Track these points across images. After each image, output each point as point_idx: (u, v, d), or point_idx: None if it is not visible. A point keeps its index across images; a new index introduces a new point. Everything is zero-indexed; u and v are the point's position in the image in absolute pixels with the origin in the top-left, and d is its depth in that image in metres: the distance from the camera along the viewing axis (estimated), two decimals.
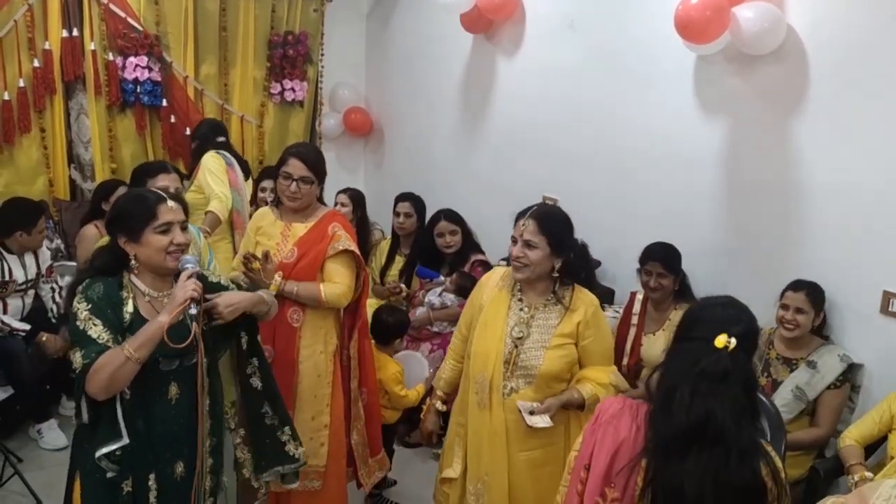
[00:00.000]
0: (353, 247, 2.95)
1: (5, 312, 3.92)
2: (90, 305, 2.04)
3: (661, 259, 3.43)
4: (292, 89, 5.77)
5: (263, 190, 4.67)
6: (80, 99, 5.12)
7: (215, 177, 4.27)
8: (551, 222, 2.47)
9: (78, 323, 2.02)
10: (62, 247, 4.80)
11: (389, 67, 5.95)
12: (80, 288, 2.08)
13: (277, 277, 2.83)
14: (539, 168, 4.54)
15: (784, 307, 3.09)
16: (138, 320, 2.08)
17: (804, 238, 3.24)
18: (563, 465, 2.13)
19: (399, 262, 4.52)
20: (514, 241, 2.47)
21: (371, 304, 4.35)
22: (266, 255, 2.84)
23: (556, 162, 4.42)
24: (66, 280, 4.46)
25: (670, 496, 1.62)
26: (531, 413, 2.39)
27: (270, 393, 2.43)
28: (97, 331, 2.01)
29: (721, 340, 1.64)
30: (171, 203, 2.15)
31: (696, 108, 3.62)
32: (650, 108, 3.82)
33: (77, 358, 1.99)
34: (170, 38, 5.27)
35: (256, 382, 2.39)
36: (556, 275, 2.48)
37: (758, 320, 3.30)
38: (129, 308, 2.09)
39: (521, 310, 2.51)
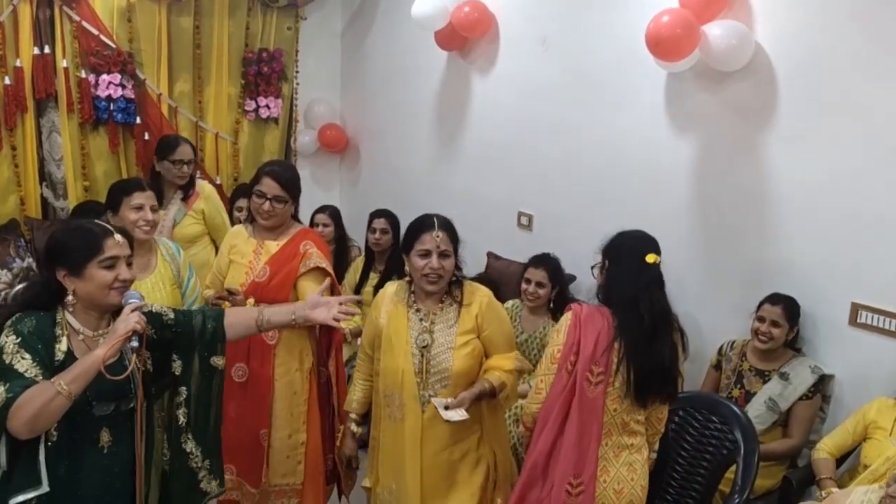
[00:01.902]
0: (326, 264, 2.95)
1: None
2: (19, 339, 1.90)
3: None
4: (267, 106, 5.76)
5: (240, 209, 4.63)
6: (52, 116, 5.05)
7: (224, 219, 4.09)
8: (453, 228, 2.55)
9: (4, 357, 1.87)
10: (34, 266, 4.73)
11: (364, 84, 5.97)
12: (9, 322, 1.94)
13: (249, 306, 2.81)
14: (514, 184, 4.58)
15: (760, 319, 3.14)
16: (71, 360, 1.94)
17: (775, 251, 3.29)
18: (482, 450, 2.57)
19: (374, 278, 4.52)
20: (427, 254, 2.48)
21: None
22: (230, 291, 2.87)
23: (531, 177, 4.46)
24: None
25: (650, 369, 2.26)
26: (446, 408, 2.42)
27: (198, 426, 2.21)
28: (25, 364, 1.87)
29: (652, 257, 2.32)
30: (118, 237, 2.04)
31: (667, 123, 3.67)
32: (623, 124, 3.87)
33: (1, 393, 1.82)
34: (143, 56, 5.23)
35: (180, 416, 2.17)
36: (453, 278, 2.56)
37: (732, 332, 3.39)
38: (63, 346, 1.96)
39: (420, 320, 2.55)
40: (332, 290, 2.99)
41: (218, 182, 5.58)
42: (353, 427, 2.74)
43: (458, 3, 4.54)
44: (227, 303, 2.82)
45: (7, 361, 1.87)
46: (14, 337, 1.91)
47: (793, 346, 3.18)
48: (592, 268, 2.49)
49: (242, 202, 4.53)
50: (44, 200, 5.14)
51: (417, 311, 2.57)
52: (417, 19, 4.64)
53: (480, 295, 2.58)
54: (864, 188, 2.96)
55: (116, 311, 2.02)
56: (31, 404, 1.81)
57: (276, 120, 5.87)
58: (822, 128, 3.08)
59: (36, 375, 1.87)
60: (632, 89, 3.80)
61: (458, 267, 2.59)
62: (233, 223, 4.39)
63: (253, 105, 5.73)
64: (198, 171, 5.29)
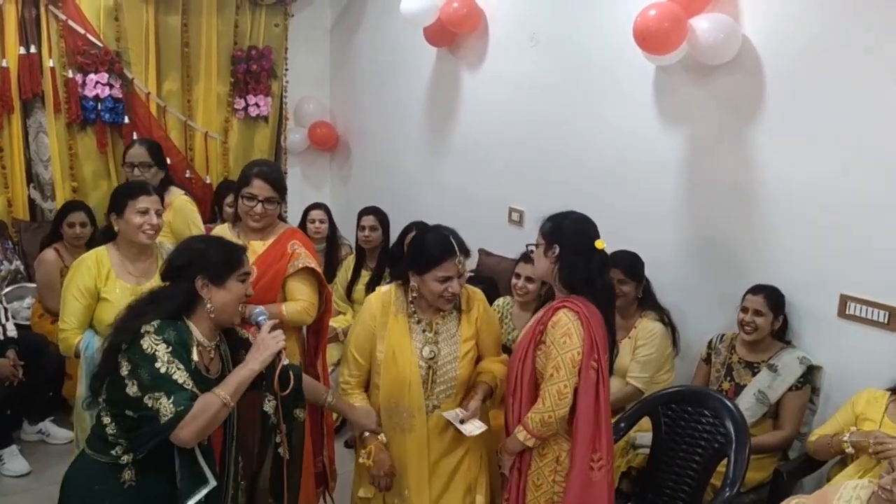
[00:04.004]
0: (314, 264, 2.92)
1: None
2: (170, 348, 1.96)
3: (623, 266, 3.44)
4: (256, 104, 5.74)
5: (231, 206, 4.58)
6: (39, 117, 5.03)
7: (196, 230, 3.84)
8: (466, 245, 2.54)
9: (158, 365, 1.92)
10: (21, 268, 4.70)
11: (354, 81, 5.95)
12: (149, 328, 1.98)
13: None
14: (505, 179, 4.57)
15: (744, 310, 3.15)
16: (195, 370, 2.02)
17: (764, 243, 3.29)
18: (480, 450, 2.61)
19: (365, 276, 4.51)
20: (448, 279, 2.44)
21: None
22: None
23: (521, 173, 4.46)
24: (26, 302, 4.37)
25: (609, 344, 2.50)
26: (461, 422, 2.43)
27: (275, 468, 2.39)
28: (182, 376, 1.93)
29: (600, 244, 2.45)
30: (248, 254, 2.22)
31: (656, 117, 3.67)
32: (612, 118, 3.87)
33: (166, 405, 1.89)
34: (131, 55, 5.21)
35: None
36: None
37: (721, 326, 3.39)
38: (195, 356, 2.04)
39: (423, 331, 2.54)
40: (322, 289, 2.97)
41: (208, 181, 5.57)
42: (380, 437, 2.53)
43: None
44: None
45: (163, 371, 1.93)
46: (164, 346, 1.96)
47: (781, 337, 3.19)
48: (529, 247, 2.61)
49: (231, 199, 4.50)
50: (31, 202, 5.11)
51: (419, 321, 2.54)
52: (406, 15, 4.63)
53: (478, 299, 2.62)
54: (852, 180, 2.96)
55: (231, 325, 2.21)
56: (203, 416, 1.92)
57: (265, 118, 5.85)
58: (810, 120, 3.08)
59: (193, 387, 1.95)
60: (620, 83, 3.80)
61: None
62: (223, 220, 4.37)
63: (242, 103, 5.71)
64: (187, 169, 5.28)
